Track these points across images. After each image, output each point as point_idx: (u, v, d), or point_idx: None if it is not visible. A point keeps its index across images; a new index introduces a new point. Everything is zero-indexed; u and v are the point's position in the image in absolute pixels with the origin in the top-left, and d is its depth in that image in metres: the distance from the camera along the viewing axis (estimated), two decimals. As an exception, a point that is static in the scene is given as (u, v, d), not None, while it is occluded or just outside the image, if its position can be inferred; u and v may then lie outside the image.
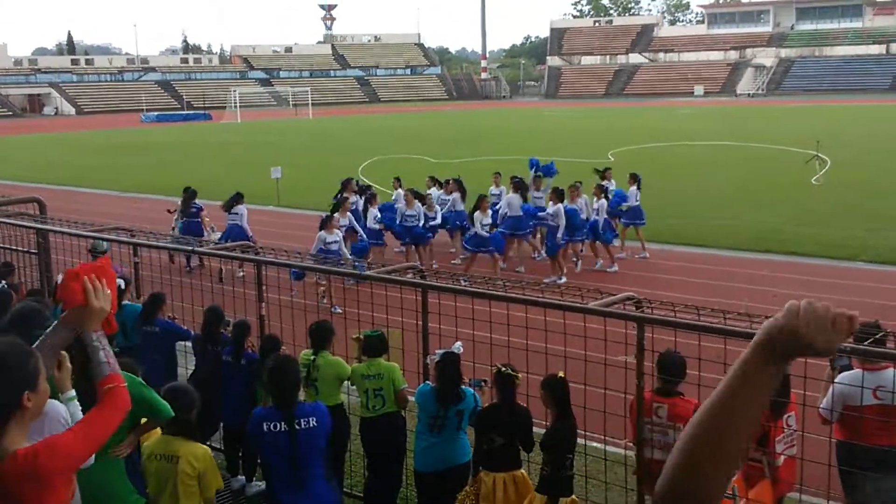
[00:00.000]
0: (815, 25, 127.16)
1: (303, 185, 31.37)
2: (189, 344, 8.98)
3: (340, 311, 12.45)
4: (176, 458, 5.77)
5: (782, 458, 6.45)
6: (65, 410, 4.56)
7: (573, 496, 6.56)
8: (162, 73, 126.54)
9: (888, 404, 6.35)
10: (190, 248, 9.73)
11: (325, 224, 15.50)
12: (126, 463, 5.46)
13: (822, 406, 6.68)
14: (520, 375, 6.72)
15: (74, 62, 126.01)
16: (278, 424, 5.81)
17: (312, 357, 7.80)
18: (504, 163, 30.35)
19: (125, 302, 9.09)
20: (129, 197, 31.65)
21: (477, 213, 16.97)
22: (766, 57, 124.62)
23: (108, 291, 3.97)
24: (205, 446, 5.99)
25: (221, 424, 8.67)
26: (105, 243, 8.98)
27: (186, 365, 9.02)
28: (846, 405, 6.53)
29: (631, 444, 6.72)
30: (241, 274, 14.82)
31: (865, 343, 5.68)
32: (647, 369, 6.28)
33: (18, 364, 3.64)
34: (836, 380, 6.64)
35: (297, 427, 5.81)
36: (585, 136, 54.12)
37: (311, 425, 5.87)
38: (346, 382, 7.90)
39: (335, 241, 15.21)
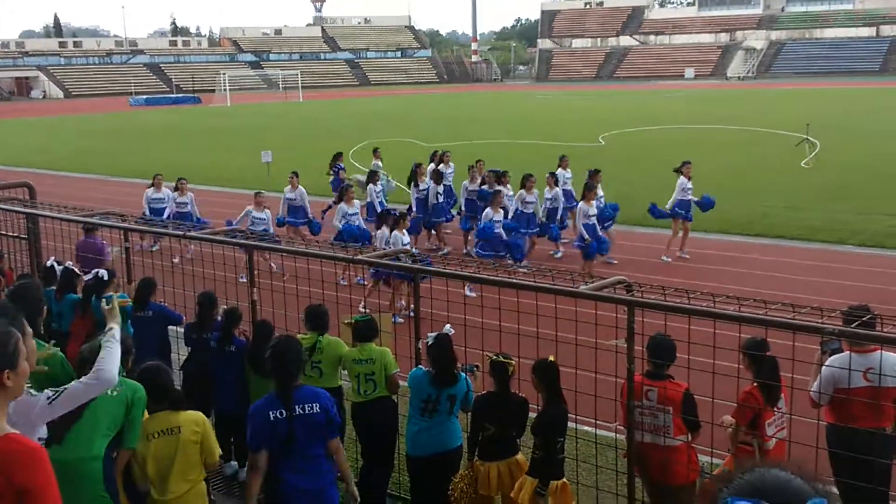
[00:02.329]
0: (806, 7, 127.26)
1: (293, 168, 31.27)
2: (182, 330, 8.99)
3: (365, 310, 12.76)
4: (178, 429, 5.81)
5: (773, 440, 6.51)
6: (40, 404, 4.62)
7: (564, 479, 6.60)
8: (150, 55, 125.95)
9: (877, 386, 6.41)
10: (182, 233, 9.71)
11: (344, 196, 15.96)
12: (104, 468, 5.48)
13: (812, 389, 6.74)
14: (513, 362, 6.75)
15: (62, 45, 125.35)
16: (284, 411, 5.77)
17: (319, 338, 7.82)
18: (495, 147, 30.31)
19: (110, 293, 9.06)
20: (119, 181, 31.50)
21: (581, 204, 16.29)
22: (757, 39, 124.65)
23: None
24: (199, 412, 6.02)
25: (213, 411, 8.69)
26: (104, 272, 8.98)
27: (178, 351, 9.03)
28: (836, 388, 6.58)
29: (621, 428, 6.76)
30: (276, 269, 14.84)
31: (853, 326, 5.73)
32: (638, 353, 6.32)
33: (0, 343, 3.68)
34: (826, 363, 6.69)
35: (294, 413, 5.80)
36: (576, 120, 54.11)
37: (314, 410, 5.85)
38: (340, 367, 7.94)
39: (355, 214, 15.81)
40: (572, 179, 19.26)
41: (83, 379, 4.93)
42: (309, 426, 5.84)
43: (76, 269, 9.46)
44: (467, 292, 12.79)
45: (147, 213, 17.66)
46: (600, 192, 17.45)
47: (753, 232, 19.98)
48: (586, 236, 15.74)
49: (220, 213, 20.19)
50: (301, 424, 5.80)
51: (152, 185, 18.85)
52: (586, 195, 16.24)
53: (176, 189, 18.44)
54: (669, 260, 17.51)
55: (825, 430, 6.66)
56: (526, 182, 17.31)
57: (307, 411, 5.84)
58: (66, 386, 4.82)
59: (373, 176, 19.05)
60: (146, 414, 5.84)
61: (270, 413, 5.76)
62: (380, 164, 22.48)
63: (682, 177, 17.71)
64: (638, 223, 19.99)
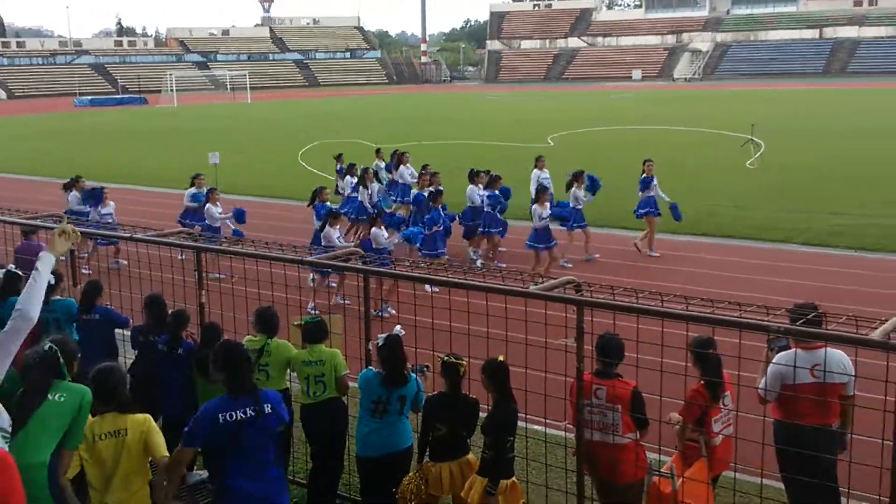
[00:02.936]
0: (751, 10, 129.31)
1: (242, 171, 31.09)
2: (129, 333, 8.87)
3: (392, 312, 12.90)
4: (125, 431, 5.72)
5: (720, 437, 6.59)
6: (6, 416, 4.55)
7: (514, 478, 6.62)
8: (95, 56, 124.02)
9: (823, 382, 6.51)
10: (128, 235, 9.57)
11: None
12: (50, 477, 5.40)
13: (759, 386, 6.82)
14: (464, 362, 6.75)
15: (5, 45, 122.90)
16: (234, 414, 5.68)
17: (267, 341, 7.76)
18: (447, 147, 30.35)
19: (56, 297, 8.95)
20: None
21: (535, 207, 16.40)
22: (703, 41, 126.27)
23: None
24: (145, 414, 5.92)
25: (160, 416, 8.57)
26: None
27: (125, 354, 8.90)
28: (783, 384, 6.67)
29: (571, 426, 6.80)
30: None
31: (799, 323, 5.82)
32: (587, 352, 6.35)
33: None
34: (773, 360, 6.78)
35: (246, 416, 5.71)
36: (525, 121, 54.37)
37: (267, 411, 5.79)
38: (287, 369, 7.88)
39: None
40: (550, 180, 19.27)
41: (8, 325, 4.91)
42: (260, 429, 5.77)
43: (19, 272, 9.29)
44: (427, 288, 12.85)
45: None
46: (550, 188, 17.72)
47: (700, 231, 20.24)
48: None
49: (169, 214, 19.93)
50: (251, 427, 5.72)
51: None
52: (539, 197, 16.37)
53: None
54: (657, 255, 17.96)
55: (772, 426, 6.75)
56: (475, 178, 18.20)
57: (259, 413, 5.77)
58: None
59: (364, 176, 19.31)
60: (90, 417, 5.76)
61: (220, 415, 5.67)
62: (382, 164, 22.26)
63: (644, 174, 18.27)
64: (589, 223, 20.09)
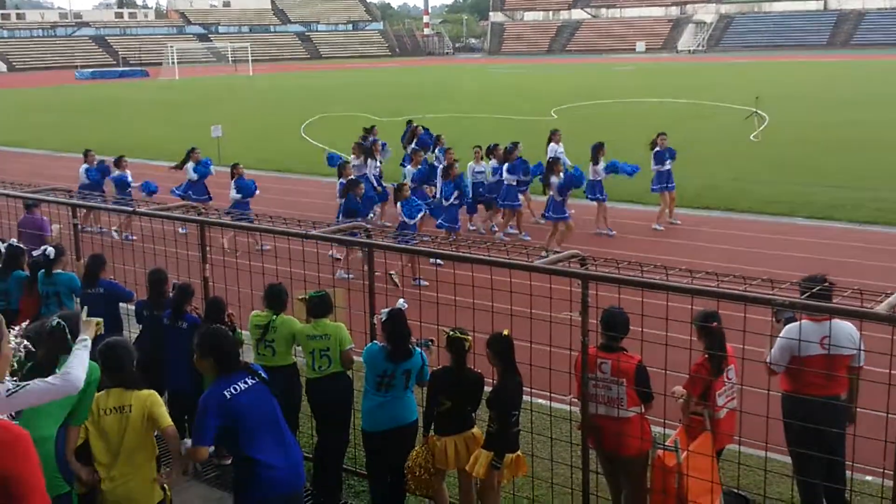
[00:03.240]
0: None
1: (244, 144, 31.00)
2: (133, 308, 8.88)
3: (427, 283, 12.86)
4: (129, 408, 5.72)
5: (724, 410, 6.60)
6: (2, 392, 4.53)
7: (519, 452, 6.65)
8: (96, 28, 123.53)
9: (832, 354, 6.51)
10: (131, 209, 9.57)
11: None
12: (56, 450, 5.43)
13: (768, 359, 6.83)
14: (469, 337, 6.75)
15: (5, 17, 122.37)
16: (238, 387, 5.72)
17: (273, 317, 7.77)
18: (449, 121, 30.25)
19: (57, 271, 8.96)
20: (64, 156, 30.93)
21: (553, 178, 16.31)
22: (707, 13, 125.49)
23: None
24: (150, 390, 5.94)
25: (166, 389, 8.60)
26: (51, 249, 8.87)
27: (129, 328, 8.92)
28: (793, 356, 6.69)
29: (576, 400, 6.80)
30: (267, 247, 13.75)
31: (804, 296, 5.81)
32: (592, 326, 6.35)
33: None
34: (782, 332, 6.78)
35: (244, 387, 5.75)
36: (529, 94, 54.17)
37: (263, 384, 5.87)
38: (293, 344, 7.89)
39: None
40: (564, 153, 19.28)
41: (49, 378, 4.81)
42: (267, 398, 5.83)
43: (22, 246, 9.30)
44: (416, 282, 13.16)
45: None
46: (567, 160, 18.26)
47: (703, 205, 20.21)
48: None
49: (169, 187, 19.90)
50: (258, 397, 5.76)
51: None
52: (553, 168, 16.50)
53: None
54: (661, 228, 18.09)
55: (780, 399, 6.77)
56: (493, 152, 18.32)
57: (260, 381, 5.85)
58: (28, 382, 4.68)
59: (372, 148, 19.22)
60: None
61: (226, 392, 5.69)
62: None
63: (657, 148, 18.32)
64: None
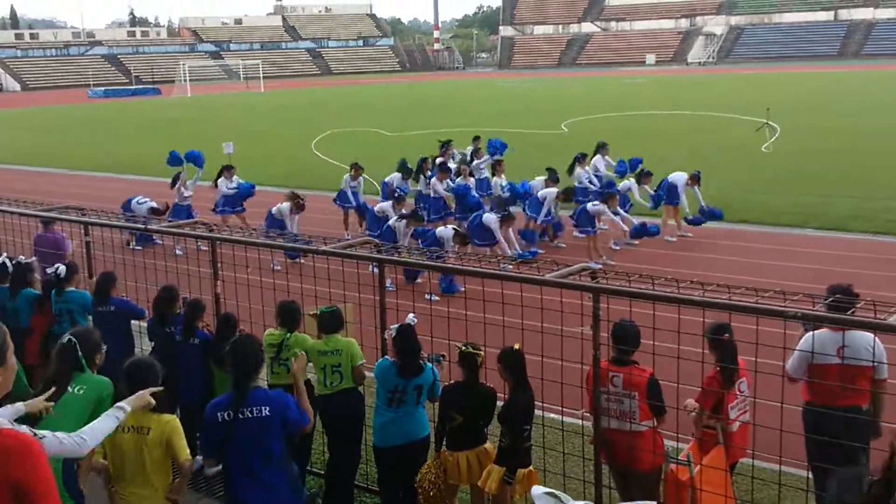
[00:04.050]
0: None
1: (256, 160, 31.09)
2: (145, 325, 8.89)
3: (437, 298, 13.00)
4: (147, 430, 5.69)
5: (737, 424, 6.56)
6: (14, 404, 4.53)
7: (531, 467, 6.62)
8: (109, 46, 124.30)
9: (851, 363, 6.47)
10: (143, 226, 9.61)
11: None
12: (63, 467, 5.41)
13: (787, 366, 6.83)
14: (482, 352, 6.73)
15: (18, 37, 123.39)
16: (229, 413, 5.70)
17: (287, 335, 7.76)
18: (460, 135, 30.26)
19: (70, 289, 8.99)
20: (77, 174, 31.09)
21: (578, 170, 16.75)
22: (717, 25, 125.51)
23: None
24: (172, 416, 5.91)
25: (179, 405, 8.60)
26: (62, 268, 8.92)
27: (142, 345, 8.94)
28: (809, 364, 6.67)
29: (588, 414, 6.78)
30: (278, 267, 14.09)
31: (817, 307, 5.78)
32: (603, 339, 6.33)
33: None
34: (801, 340, 6.77)
35: (240, 416, 5.70)
36: (539, 107, 54.20)
37: (263, 414, 5.74)
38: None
39: None
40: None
41: (65, 437, 4.66)
42: (254, 431, 5.73)
43: (30, 263, 9.34)
44: (428, 297, 13.07)
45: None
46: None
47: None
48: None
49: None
50: (244, 429, 5.70)
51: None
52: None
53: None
54: (674, 240, 18.12)
55: (801, 410, 6.74)
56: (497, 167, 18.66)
57: (253, 414, 5.73)
58: (44, 433, 4.64)
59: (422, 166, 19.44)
60: None
61: (218, 414, 5.70)
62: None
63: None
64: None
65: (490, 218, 15.59)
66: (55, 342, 6.13)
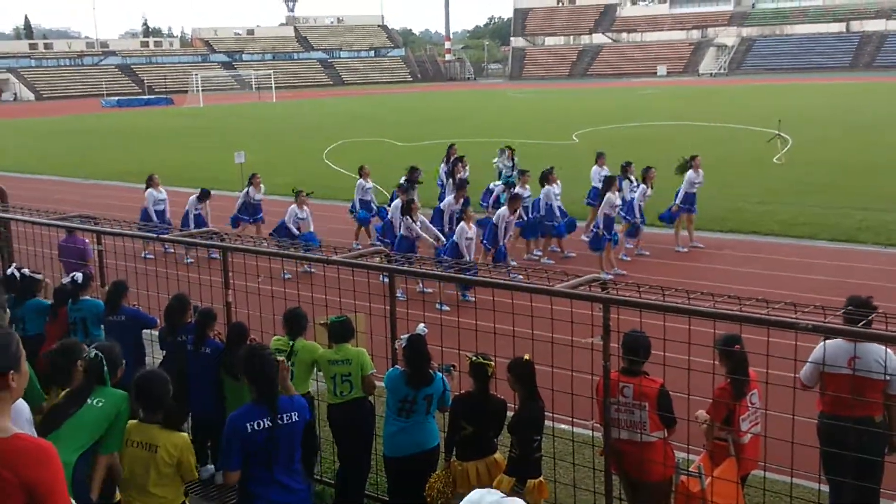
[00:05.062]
0: (776, 4, 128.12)
1: (267, 170, 31.14)
2: (156, 333, 8.92)
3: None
4: (155, 447, 5.70)
5: (748, 436, 6.54)
6: (27, 409, 4.55)
7: (541, 477, 6.61)
8: (122, 56, 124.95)
9: (863, 374, 6.45)
10: (154, 235, 9.65)
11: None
12: (74, 477, 5.42)
13: (801, 373, 6.84)
14: (492, 363, 6.72)
15: (32, 47, 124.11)
16: (262, 422, 5.73)
17: (291, 343, 7.78)
18: (472, 145, 30.32)
19: (85, 297, 9.03)
20: (90, 183, 31.24)
21: (609, 195, 16.41)
22: (728, 36, 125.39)
23: None
24: (184, 434, 5.94)
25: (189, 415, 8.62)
26: (79, 276, 8.98)
27: (153, 354, 8.96)
28: (820, 373, 6.67)
29: (598, 425, 6.77)
30: (288, 276, 13.63)
31: (828, 319, 5.76)
32: (613, 350, 6.32)
33: (3, 345, 3.64)
34: (816, 348, 6.77)
35: (279, 422, 5.77)
36: (550, 118, 54.22)
37: (293, 420, 5.85)
38: (312, 371, 7.90)
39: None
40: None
41: None
42: (291, 436, 5.84)
43: (36, 276, 9.42)
44: (438, 307, 13.08)
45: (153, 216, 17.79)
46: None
47: (727, 228, 20.12)
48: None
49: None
50: (284, 435, 5.78)
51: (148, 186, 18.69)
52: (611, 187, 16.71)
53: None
54: (685, 250, 18.05)
55: (816, 421, 6.73)
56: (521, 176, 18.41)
57: (287, 420, 5.83)
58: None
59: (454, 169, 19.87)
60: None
61: (248, 424, 5.71)
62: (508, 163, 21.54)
63: (691, 170, 18.37)
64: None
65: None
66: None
